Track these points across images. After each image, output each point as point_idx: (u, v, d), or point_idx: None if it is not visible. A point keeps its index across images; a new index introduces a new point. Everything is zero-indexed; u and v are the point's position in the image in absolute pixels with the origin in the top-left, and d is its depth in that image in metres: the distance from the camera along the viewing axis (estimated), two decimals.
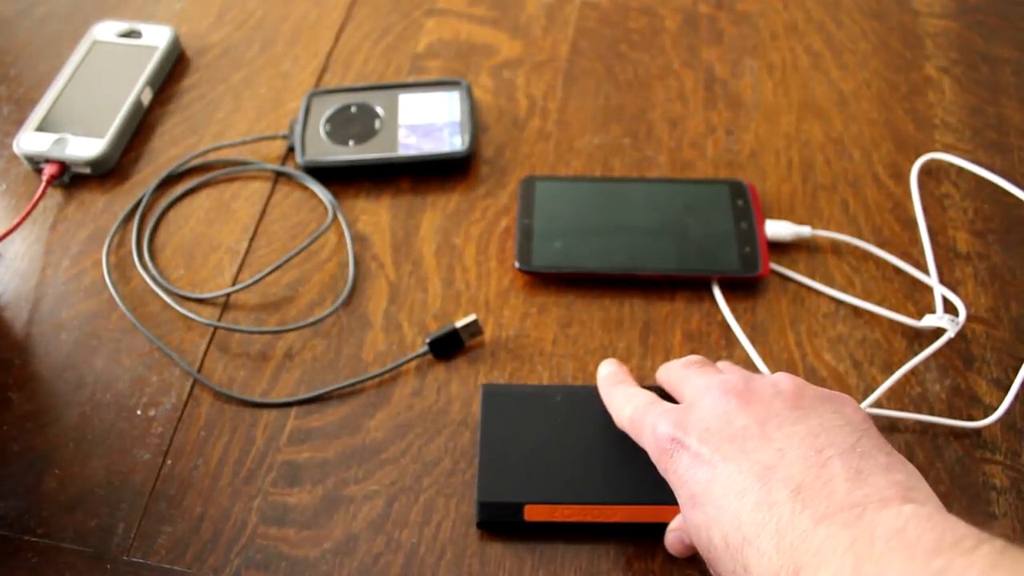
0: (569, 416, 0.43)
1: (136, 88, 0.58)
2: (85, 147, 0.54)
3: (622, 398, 0.40)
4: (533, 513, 0.41)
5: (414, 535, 0.42)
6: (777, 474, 0.31)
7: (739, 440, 0.33)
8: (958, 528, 0.27)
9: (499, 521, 0.41)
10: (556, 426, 0.43)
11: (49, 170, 0.53)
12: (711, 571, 0.35)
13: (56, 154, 0.54)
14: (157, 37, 0.61)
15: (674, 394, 0.39)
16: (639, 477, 0.41)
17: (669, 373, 0.41)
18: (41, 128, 0.55)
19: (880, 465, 0.31)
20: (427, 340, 0.47)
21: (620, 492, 0.41)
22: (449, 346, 0.47)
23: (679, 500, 0.35)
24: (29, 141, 0.55)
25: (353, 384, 0.46)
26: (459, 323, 0.47)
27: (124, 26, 0.61)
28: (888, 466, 0.31)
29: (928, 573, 0.25)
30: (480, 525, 0.41)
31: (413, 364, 0.47)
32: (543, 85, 0.60)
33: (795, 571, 0.28)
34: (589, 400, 0.43)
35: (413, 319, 0.49)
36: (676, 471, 0.35)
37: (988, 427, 0.45)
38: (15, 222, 0.51)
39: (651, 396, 0.39)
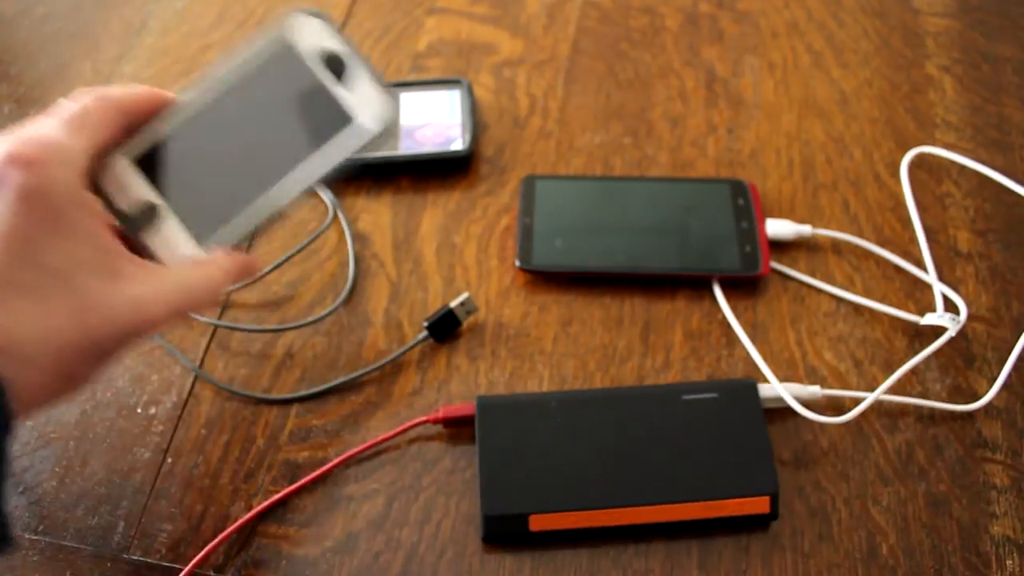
0: (567, 421, 0.43)
1: None
2: None
3: None
4: (539, 523, 0.40)
5: (414, 534, 0.42)
6: None
7: None
8: None
9: (505, 533, 0.41)
10: (554, 432, 0.43)
11: None
12: None
13: None
14: None
15: None
16: (641, 477, 0.41)
17: None
18: None
19: None
20: (425, 324, 0.47)
21: (623, 494, 0.41)
22: (447, 327, 0.47)
23: None
24: None
25: (355, 378, 0.46)
26: (453, 303, 0.47)
27: None
28: None
29: None
30: (486, 539, 0.41)
31: (414, 362, 0.47)
32: (544, 84, 0.60)
33: None
34: (585, 403, 0.43)
35: (413, 318, 0.49)
36: None
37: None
38: None
39: None
